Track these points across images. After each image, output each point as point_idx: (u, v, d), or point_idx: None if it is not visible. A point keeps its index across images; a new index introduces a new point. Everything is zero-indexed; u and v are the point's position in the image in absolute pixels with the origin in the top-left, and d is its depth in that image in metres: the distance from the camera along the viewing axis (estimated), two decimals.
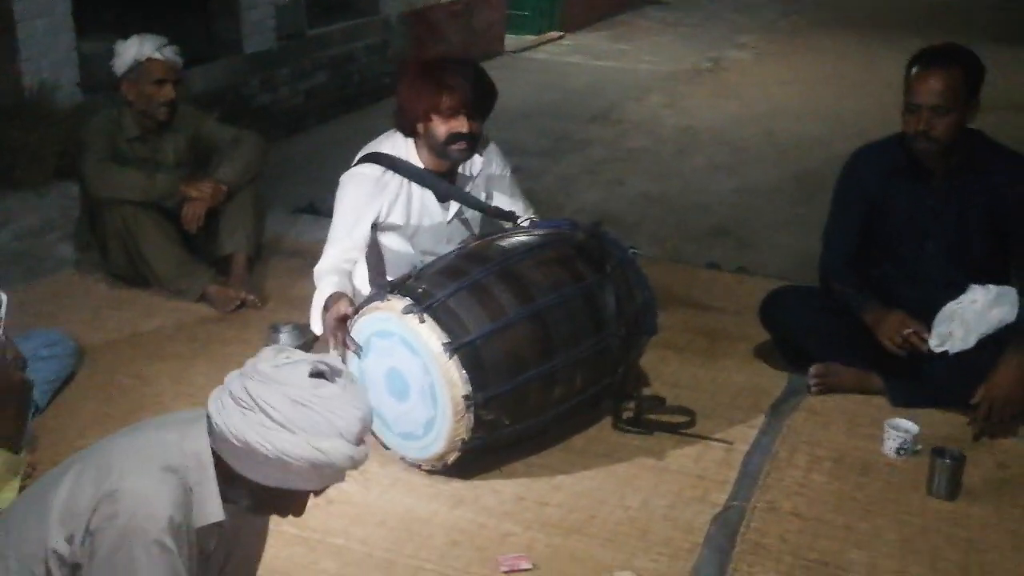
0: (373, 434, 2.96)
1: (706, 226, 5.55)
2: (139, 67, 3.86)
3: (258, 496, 1.78)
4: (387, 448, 2.95)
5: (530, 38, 10.88)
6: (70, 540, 1.69)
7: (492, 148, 3.40)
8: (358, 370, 2.92)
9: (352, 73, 7.77)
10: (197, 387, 3.32)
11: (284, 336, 3.52)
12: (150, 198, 3.86)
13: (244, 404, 1.71)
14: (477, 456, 2.87)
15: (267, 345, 3.46)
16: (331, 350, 3.14)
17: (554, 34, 11.13)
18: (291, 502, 1.81)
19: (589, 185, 6.24)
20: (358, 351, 2.88)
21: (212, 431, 1.74)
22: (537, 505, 2.78)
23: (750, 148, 7.10)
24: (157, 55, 3.86)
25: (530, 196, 3.58)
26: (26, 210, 4.89)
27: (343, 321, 2.91)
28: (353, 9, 8.20)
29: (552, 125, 7.63)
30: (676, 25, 12.02)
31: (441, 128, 3.13)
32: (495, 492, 2.83)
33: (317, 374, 1.74)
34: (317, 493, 1.80)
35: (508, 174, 3.45)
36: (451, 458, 2.82)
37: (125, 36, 4.02)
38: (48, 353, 3.21)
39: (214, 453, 1.75)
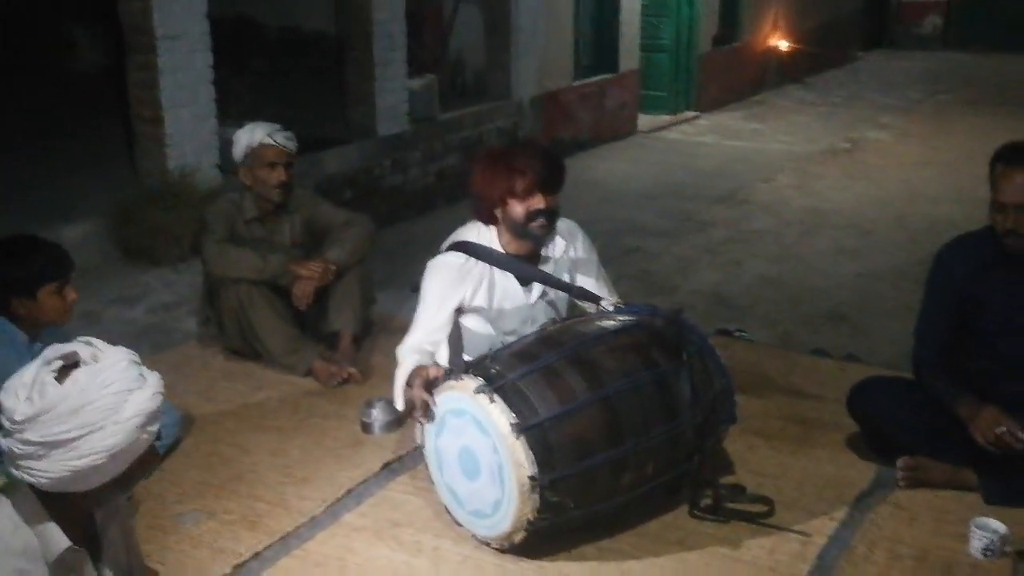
0: (447, 511, 3.05)
1: (822, 311, 5.47)
2: (253, 152, 4.12)
3: (110, 488, 1.90)
4: (460, 525, 3.03)
5: (665, 118, 10.95)
6: None
7: (576, 231, 3.49)
8: (434, 448, 3.03)
9: None
10: (292, 460, 3.48)
11: (376, 411, 3.65)
12: (263, 277, 4.07)
13: (36, 452, 1.80)
14: (547, 537, 2.91)
15: (362, 419, 3.66)
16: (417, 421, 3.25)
17: (690, 114, 11.18)
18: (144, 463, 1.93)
19: (707, 266, 6.24)
20: (431, 418, 2.97)
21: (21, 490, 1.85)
22: None
23: (878, 231, 6.96)
24: (269, 140, 4.11)
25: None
26: (162, 286, 5.24)
27: (429, 386, 3.00)
28: (486, 93, 8.49)
29: (676, 205, 7.67)
30: (816, 105, 11.92)
31: (519, 208, 3.24)
32: (562, 575, 2.86)
33: (60, 371, 1.83)
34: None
35: (594, 257, 3.53)
36: (518, 537, 2.87)
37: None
38: None
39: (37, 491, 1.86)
